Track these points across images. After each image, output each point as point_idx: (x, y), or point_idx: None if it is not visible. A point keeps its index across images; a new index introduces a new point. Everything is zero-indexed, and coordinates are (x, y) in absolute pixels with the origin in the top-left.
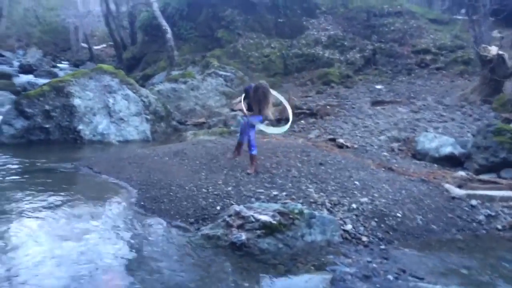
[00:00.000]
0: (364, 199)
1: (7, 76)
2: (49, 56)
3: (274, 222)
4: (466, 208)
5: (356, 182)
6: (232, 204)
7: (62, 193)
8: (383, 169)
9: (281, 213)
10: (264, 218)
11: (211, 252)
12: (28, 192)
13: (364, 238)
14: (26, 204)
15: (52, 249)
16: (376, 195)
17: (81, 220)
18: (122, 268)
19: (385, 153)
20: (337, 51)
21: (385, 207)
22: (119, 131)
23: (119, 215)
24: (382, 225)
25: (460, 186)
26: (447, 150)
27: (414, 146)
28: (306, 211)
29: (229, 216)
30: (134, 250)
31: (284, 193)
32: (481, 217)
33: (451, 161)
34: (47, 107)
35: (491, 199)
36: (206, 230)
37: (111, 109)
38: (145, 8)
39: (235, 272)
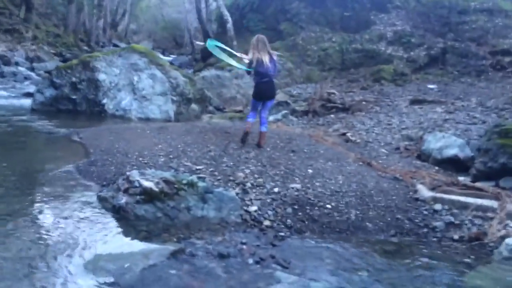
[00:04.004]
0: (296, 186)
1: None
2: (159, 49)
3: (156, 189)
4: (425, 212)
5: (310, 170)
6: None
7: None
8: (361, 163)
9: (166, 181)
10: (146, 184)
11: (96, 212)
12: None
13: (267, 222)
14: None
15: None
16: (317, 184)
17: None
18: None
19: (383, 150)
20: (401, 48)
21: (315, 196)
22: (140, 109)
23: (57, 172)
24: (300, 213)
25: (433, 189)
26: (451, 152)
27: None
28: (200, 184)
29: (122, 180)
30: (40, 201)
31: (211, 169)
32: (438, 224)
33: (456, 165)
34: (74, 79)
35: (463, 206)
36: (102, 192)
37: (135, 87)
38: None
39: (102, 232)
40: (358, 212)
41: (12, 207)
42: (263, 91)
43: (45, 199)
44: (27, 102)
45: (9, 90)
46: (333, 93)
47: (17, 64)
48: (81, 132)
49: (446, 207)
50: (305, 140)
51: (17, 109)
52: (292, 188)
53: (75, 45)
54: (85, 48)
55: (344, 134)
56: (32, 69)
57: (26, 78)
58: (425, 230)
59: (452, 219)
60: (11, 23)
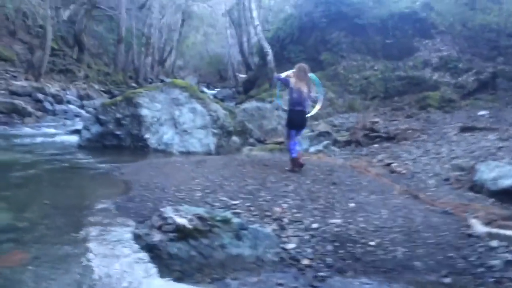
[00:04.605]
0: (336, 221)
1: None
2: (204, 83)
3: (189, 226)
4: (480, 249)
5: (351, 204)
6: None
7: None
8: (407, 195)
9: (200, 218)
10: (179, 220)
11: (130, 250)
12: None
13: (305, 261)
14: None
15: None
16: (360, 219)
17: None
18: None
19: (432, 181)
20: (447, 74)
21: (358, 232)
22: (182, 142)
23: (95, 208)
24: (341, 251)
25: (488, 223)
26: (506, 182)
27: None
28: (235, 220)
29: (156, 216)
30: (75, 239)
31: (247, 204)
32: (496, 262)
33: None
34: (118, 115)
35: None
36: (137, 229)
37: (176, 121)
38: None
39: (133, 273)
40: (405, 250)
41: (47, 243)
42: (295, 120)
43: (80, 236)
44: (75, 138)
45: (60, 128)
46: (377, 122)
47: (68, 102)
48: (123, 168)
49: (504, 243)
50: (347, 171)
51: (65, 146)
52: (332, 223)
53: (123, 82)
54: (133, 84)
55: (389, 164)
56: (82, 106)
57: (76, 115)
58: (481, 269)
59: (511, 257)
60: (64, 64)
